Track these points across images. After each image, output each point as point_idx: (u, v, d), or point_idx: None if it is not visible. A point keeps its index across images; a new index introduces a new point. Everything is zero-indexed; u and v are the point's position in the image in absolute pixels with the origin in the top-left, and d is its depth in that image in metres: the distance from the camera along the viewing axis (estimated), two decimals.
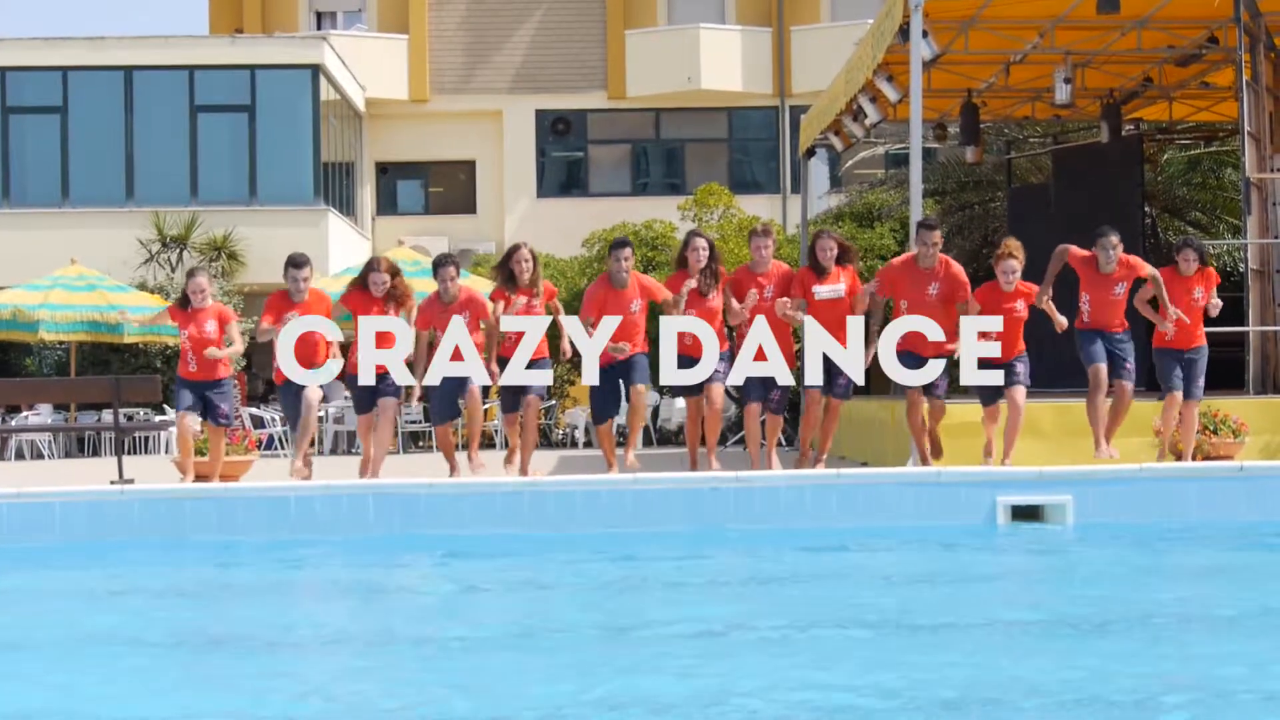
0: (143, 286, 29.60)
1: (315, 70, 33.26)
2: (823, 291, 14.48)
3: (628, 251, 14.39)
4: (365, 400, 14.50)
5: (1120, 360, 14.46)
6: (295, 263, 14.48)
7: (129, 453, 25.35)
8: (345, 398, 28.97)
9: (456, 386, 14.18)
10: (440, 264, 14.43)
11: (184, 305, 14.78)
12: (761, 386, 14.52)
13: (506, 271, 14.46)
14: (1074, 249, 14.82)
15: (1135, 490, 13.22)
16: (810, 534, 12.64)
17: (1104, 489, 13.11)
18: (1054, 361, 19.07)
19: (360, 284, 14.49)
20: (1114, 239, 14.83)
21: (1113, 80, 23.35)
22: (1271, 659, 7.74)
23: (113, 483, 14.67)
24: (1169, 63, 22.20)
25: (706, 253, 14.59)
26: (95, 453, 27.64)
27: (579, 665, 7.79)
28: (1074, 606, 9.53)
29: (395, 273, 14.58)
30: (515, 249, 14.51)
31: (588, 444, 28.69)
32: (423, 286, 26.19)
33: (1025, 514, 12.94)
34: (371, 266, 14.55)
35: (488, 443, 26.55)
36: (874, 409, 18.58)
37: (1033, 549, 12.17)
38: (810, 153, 25.64)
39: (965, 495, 13.03)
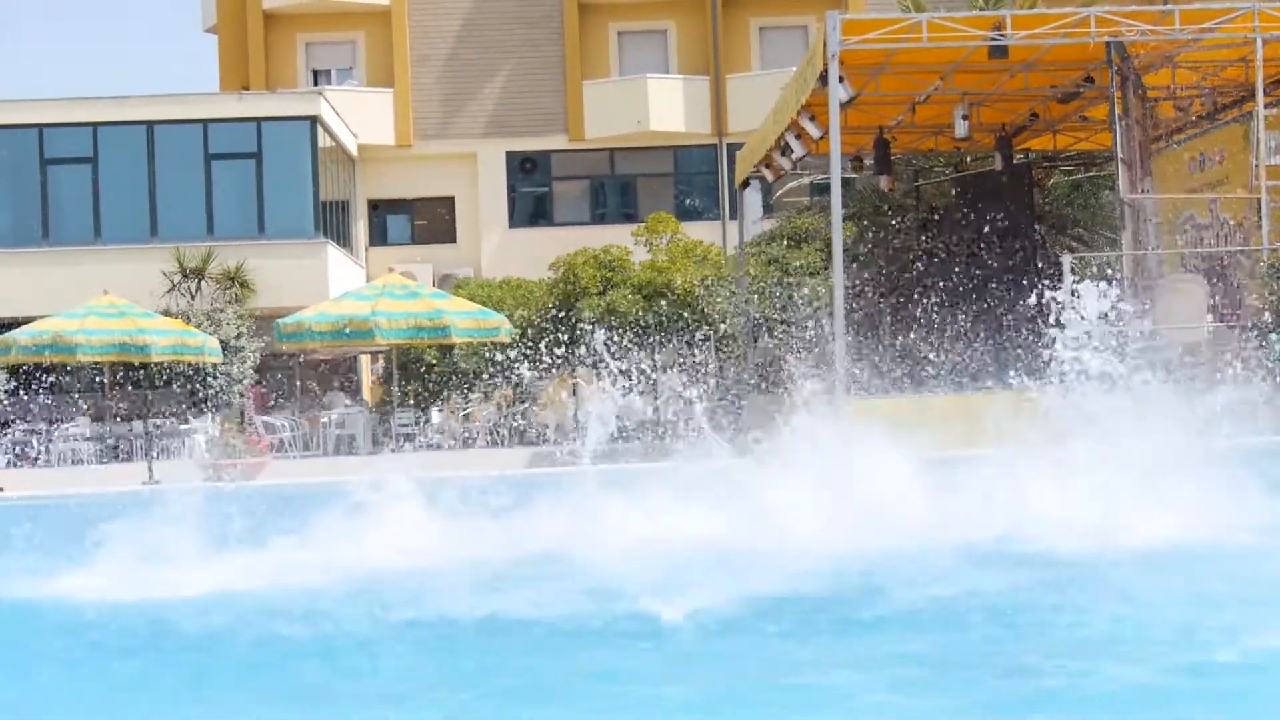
0: (166, 313, 29.47)
1: (313, 121, 33.16)
2: None
3: None
4: None
5: None
6: None
7: (157, 457, 25.23)
8: (346, 405, 28.82)
9: None
10: None
11: None
12: None
13: None
14: None
15: None
16: None
17: None
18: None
19: None
20: None
21: (1004, 116, 23.54)
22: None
23: (144, 484, 14.58)
24: (1052, 100, 22.39)
25: None
26: (129, 458, 27.41)
27: None
28: None
29: None
30: None
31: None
32: (410, 308, 26.31)
33: None
34: None
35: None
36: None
37: None
38: (745, 184, 25.74)
39: None
